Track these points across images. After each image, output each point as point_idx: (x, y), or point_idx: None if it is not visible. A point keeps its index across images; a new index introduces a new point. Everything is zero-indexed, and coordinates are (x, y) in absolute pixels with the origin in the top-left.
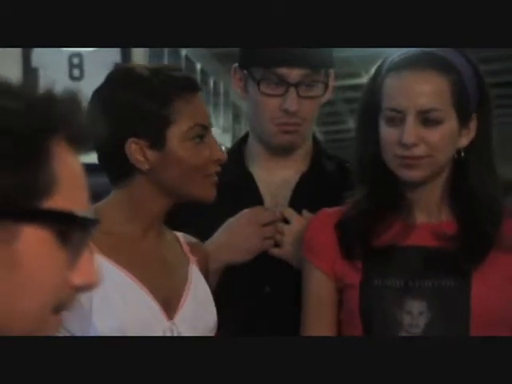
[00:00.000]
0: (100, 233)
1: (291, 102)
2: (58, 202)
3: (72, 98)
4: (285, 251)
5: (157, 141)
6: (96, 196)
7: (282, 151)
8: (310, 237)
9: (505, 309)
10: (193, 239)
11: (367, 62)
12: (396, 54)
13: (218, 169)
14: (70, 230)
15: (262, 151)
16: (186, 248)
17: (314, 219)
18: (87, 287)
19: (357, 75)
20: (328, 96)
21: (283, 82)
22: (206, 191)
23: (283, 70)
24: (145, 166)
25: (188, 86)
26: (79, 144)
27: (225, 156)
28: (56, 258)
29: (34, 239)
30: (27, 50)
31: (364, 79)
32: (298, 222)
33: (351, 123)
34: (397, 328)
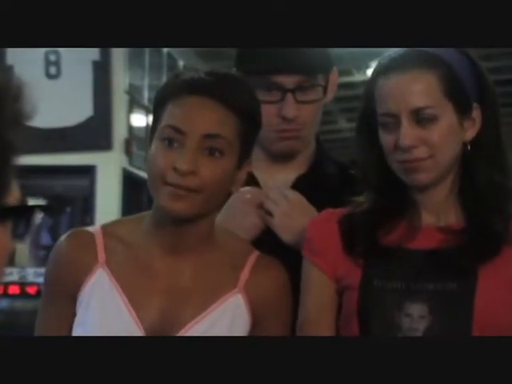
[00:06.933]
0: (121, 243)
1: (288, 108)
2: None
3: None
4: (275, 221)
5: (151, 139)
6: (66, 199)
7: (283, 156)
8: (311, 235)
9: (510, 314)
10: (268, 268)
11: (358, 60)
12: (384, 55)
13: (178, 179)
14: None
15: (262, 155)
16: (245, 275)
17: (315, 218)
18: None
19: (348, 73)
20: (329, 98)
21: (279, 88)
22: (163, 200)
23: (279, 77)
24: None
25: (185, 88)
26: None
27: (185, 167)
28: None
29: None
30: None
31: (355, 77)
32: (293, 197)
33: (342, 123)
34: (395, 331)
